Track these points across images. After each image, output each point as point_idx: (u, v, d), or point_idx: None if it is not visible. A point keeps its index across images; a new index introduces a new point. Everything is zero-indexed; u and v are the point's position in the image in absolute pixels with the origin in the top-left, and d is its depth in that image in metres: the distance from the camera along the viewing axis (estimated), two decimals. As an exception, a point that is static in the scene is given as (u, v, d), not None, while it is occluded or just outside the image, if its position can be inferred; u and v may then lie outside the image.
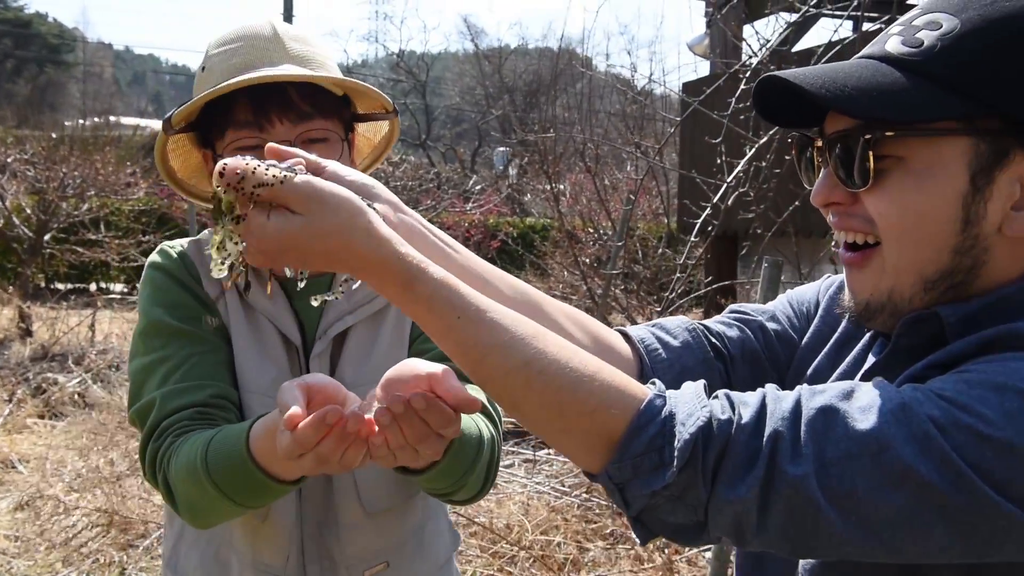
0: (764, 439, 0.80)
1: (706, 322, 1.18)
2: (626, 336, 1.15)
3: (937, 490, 0.76)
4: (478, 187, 13.55)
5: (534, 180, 12.34)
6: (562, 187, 9.94)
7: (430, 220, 1.42)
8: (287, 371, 1.40)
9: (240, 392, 1.39)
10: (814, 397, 0.82)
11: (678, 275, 3.62)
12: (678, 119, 4.29)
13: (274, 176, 0.86)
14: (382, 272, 0.87)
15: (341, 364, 1.42)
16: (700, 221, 2.94)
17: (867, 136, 0.89)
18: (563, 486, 5.17)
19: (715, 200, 3.13)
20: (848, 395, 0.82)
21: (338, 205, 0.86)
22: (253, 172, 0.85)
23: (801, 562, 0.99)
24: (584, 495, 5.04)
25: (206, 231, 1.48)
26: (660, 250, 7.33)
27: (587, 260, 8.93)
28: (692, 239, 3.26)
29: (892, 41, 0.92)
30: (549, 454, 5.55)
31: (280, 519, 1.41)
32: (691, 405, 0.84)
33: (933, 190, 0.88)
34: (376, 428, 1.02)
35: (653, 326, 1.16)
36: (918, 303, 0.93)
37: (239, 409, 1.38)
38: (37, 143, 10.75)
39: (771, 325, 1.16)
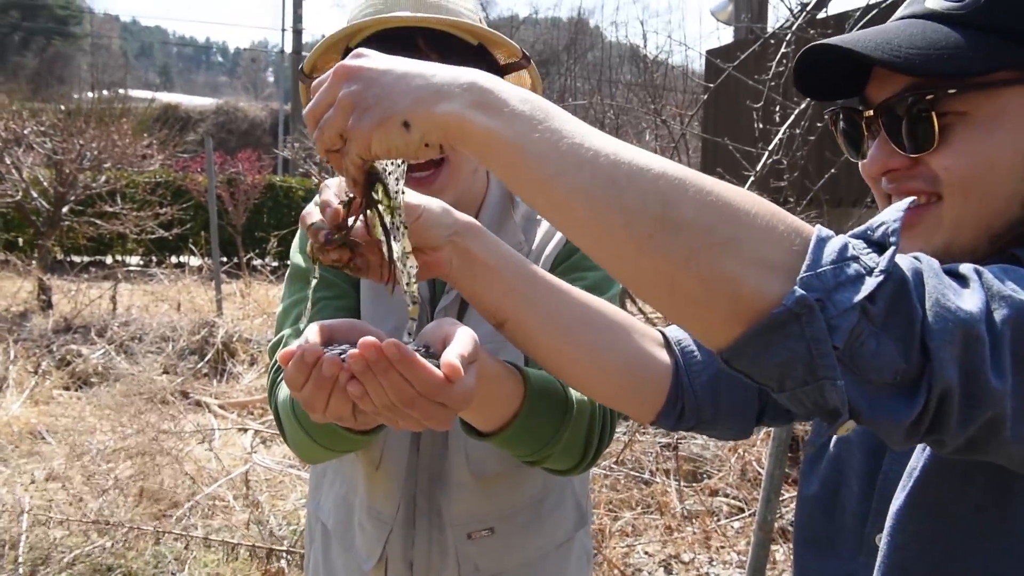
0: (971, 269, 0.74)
1: None
2: (664, 337, 1.12)
3: None
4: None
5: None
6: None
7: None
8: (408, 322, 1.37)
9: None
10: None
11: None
12: (711, 85, 4.23)
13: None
14: (473, 82, 0.78)
15: (466, 320, 1.35)
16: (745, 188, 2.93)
17: (929, 96, 0.87)
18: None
19: (757, 169, 3.09)
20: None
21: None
22: None
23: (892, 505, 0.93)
24: (614, 465, 5.04)
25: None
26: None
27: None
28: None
29: None
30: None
31: (392, 469, 1.41)
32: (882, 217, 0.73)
33: (1001, 139, 0.87)
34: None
35: None
36: (982, 255, 0.90)
37: None
38: (52, 115, 10.68)
39: None
